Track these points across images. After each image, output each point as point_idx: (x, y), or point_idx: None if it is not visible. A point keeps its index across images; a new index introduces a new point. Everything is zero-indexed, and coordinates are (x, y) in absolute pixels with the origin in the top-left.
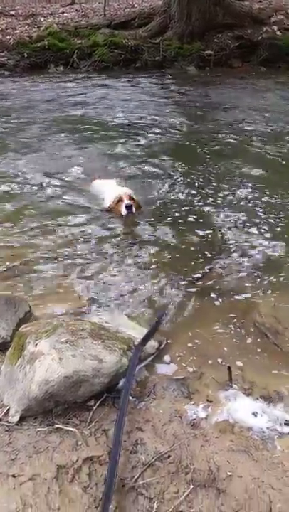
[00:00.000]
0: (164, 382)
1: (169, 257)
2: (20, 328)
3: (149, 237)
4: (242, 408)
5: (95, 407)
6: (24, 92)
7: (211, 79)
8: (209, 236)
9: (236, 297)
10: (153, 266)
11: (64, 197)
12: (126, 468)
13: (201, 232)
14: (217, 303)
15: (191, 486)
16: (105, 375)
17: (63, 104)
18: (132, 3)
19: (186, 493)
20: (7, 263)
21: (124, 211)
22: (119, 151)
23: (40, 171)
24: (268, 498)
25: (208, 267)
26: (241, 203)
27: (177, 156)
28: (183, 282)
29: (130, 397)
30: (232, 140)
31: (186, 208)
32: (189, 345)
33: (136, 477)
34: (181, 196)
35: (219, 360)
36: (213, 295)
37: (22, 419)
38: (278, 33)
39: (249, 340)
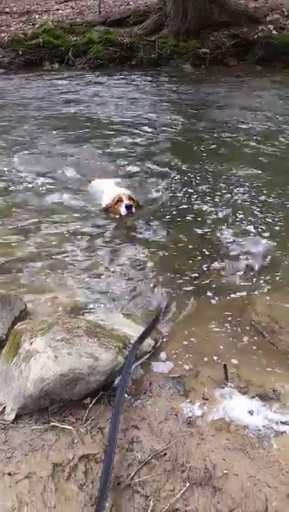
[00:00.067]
0: (160, 380)
1: (167, 255)
2: (15, 327)
3: (146, 235)
4: (238, 406)
5: (90, 405)
6: (18, 90)
7: (206, 77)
8: (207, 235)
9: (232, 296)
10: (150, 264)
11: (59, 195)
12: (122, 466)
13: (199, 231)
14: (213, 301)
15: (187, 484)
16: (101, 373)
17: (58, 102)
18: (127, 1)
19: (182, 491)
20: (1, 261)
21: (123, 211)
22: (114, 149)
23: (33, 169)
24: (264, 496)
25: (206, 265)
26: (238, 201)
27: (173, 154)
28: (180, 281)
29: (126, 395)
30: (227, 138)
31: (184, 207)
32: (185, 343)
33: (132, 475)
34: (179, 194)
35: (215, 358)
36: (209, 293)
37: (18, 417)
38: (274, 31)
39: (245, 339)
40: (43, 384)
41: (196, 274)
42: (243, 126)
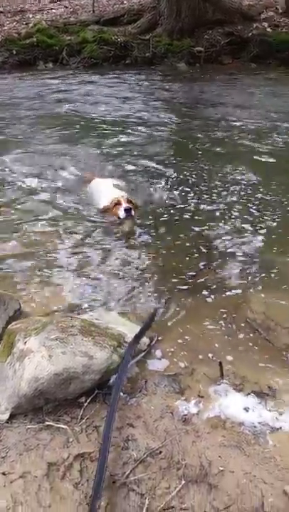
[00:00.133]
0: (156, 378)
1: (164, 253)
2: (9, 326)
3: (143, 234)
4: (233, 403)
5: (85, 404)
6: (12, 90)
7: (200, 75)
8: (204, 233)
9: (228, 293)
10: (147, 262)
11: (53, 195)
12: (117, 465)
13: (196, 229)
14: (209, 299)
15: (183, 482)
16: (96, 372)
17: (51, 101)
18: (120, 0)
19: (177, 489)
20: None
21: (122, 215)
22: (108, 149)
23: (26, 168)
24: (260, 493)
25: (202, 263)
26: (234, 199)
27: (168, 152)
28: (176, 279)
29: (121, 394)
30: (222, 137)
31: (181, 206)
32: (180, 341)
33: (127, 473)
34: (175, 193)
35: (211, 356)
36: (205, 291)
37: (12, 416)
38: (268, 29)
39: (241, 336)
40: (37, 383)
41: (193, 272)
42: (238, 124)
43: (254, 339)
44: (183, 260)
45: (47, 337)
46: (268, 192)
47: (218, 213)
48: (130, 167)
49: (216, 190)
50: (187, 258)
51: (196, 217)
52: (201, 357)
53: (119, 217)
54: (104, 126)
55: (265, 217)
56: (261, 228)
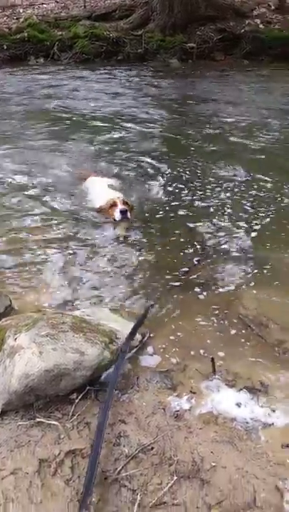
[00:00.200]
0: (148, 374)
1: (159, 250)
2: (0, 323)
3: (137, 230)
4: (226, 399)
5: (77, 400)
6: (2, 85)
7: (192, 72)
8: (198, 229)
9: (221, 290)
10: (140, 259)
11: (44, 192)
12: (108, 461)
13: (190, 225)
14: (202, 296)
15: (175, 478)
16: (87, 368)
17: (41, 97)
18: None
19: (169, 485)
20: None
21: (118, 216)
22: (100, 145)
23: (15, 165)
24: (252, 488)
25: (196, 259)
26: (228, 195)
27: (160, 149)
28: (169, 276)
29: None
30: (214, 133)
31: (176, 202)
32: (172, 337)
33: (119, 469)
34: (169, 189)
35: (203, 352)
36: (198, 288)
37: (3, 413)
38: (261, 26)
39: (233, 332)
40: (28, 380)
41: (186, 269)
42: (230, 120)
43: (246, 335)
44: (176, 257)
45: (37, 333)
46: (261, 188)
47: (212, 209)
48: (123, 163)
49: (209, 187)
50: (181, 254)
51: (191, 214)
52: (193, 353)
53: (114, 219)
54: (95, 122)
55: (260, 214)
56: (255, 224)
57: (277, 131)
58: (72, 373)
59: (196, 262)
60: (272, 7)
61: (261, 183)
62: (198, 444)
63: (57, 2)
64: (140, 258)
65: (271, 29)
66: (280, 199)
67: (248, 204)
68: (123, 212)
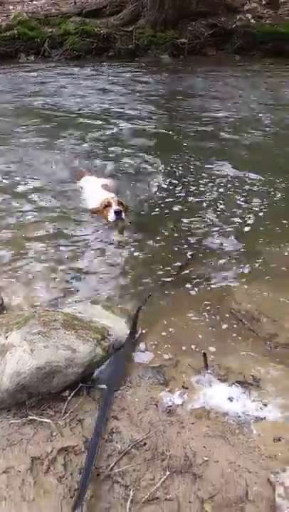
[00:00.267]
0: (140, 370)
1: (152, 245)
2: None
3: (130, 226)
4: (218, 393)
5: (69, 398)
6: None
7: (184, 67)
8: (192, 224)
9: (213, 285)
10: (134, 254)
11: (35, 189)
12: (101, 457)
13: (185, 221)
14: (193, 292)
15: (167, 473)
16: (79, 365)
17: (32, 95)
18: None
19: (162, 480)
20: None
21: (112, 217)
22: (90, 142)
23: (3, 163)
24: (244, 482)
25: (190, 253)
26: (221, 190)
27: (152, 145)
28: (162, 271)
29: (106, 387)
30: (206, 129)
31: (170, 198)
32: (164, 333)
33: (111, 465)
34: (163, 185)
35: (195, 347)
36: (190, 283)
37: None
38: (252, 20)
39: (225, 327)
40: (19, 378)
41: (179, 263)
42: (222, 116)
43: (238, 330)
44: (169, 252)
45: (29, 331)
46: (253, 183)
47: (204, 204)
48: (115, 160)
49: (202, 182)
50: (174, 249)
51: (184, 209)
52: (185, 348)
53: (108, 221)
54: (86, 119)
55: (253, 209)
56: (248, 219)
57: (268, 127)
58: (64, 370)
59: (189, 257)
60: (264, 2)
61: (253, 178)
62: (191, 439)
63: None
64: (133, 254)
65: (262, 24)
66: (272, 193)
67: (242, 199)
68: (117, 213)
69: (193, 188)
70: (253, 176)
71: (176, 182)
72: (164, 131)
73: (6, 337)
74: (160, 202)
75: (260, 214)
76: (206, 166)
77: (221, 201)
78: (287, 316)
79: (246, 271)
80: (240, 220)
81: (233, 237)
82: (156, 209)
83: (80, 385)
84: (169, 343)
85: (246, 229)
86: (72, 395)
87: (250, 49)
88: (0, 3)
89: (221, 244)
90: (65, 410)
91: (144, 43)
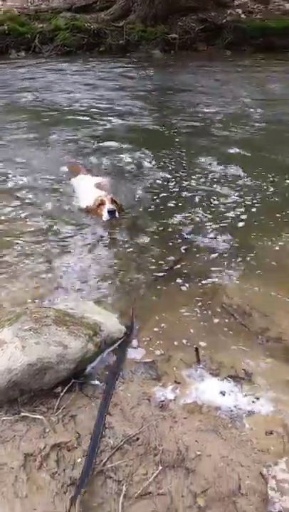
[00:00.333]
0: (132, 365)
1: (145, 240)
2: None
3: (124, 221)
4: (210, 388)
5: (62, 394)
6: None
7: (174, 62)
8: (186, 220)
9: (205, 280)
10: (127, 250)
11: (29, 187)
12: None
13: (178, 216)
14: (184, 288)
15: (160, 467)
16: (71, 361)
17: (22, 91)
18: None
19: (154, 475)
20: None
21: (106, 217)
22: (82, 138)
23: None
24: (236, 476)
25: (183, 247)
26: (214, 185)
27: (144, 140)
28: (154, 266)
29: (99, 382)
30: (196, 123)
31: (163, 194)
32: (156, 329)
33: (104, 461)
34: (158, 181)
35: (187, 342)
36: (182, 278)
37: None
38: (242, 15)
39: (216, 321)
40: (11, 375)
41: (172, 258)
42: (212, 111)
43: (230, 324)
44: (163, 248)
45: (20, 328)
46: (246, 178)
47: (199, 200)
48: (107, 155)
49: (194, 177)
50: (168, 245)
51: (177, 205)
52: (177, 343)
53: (102, 220)
54: (77, 115)
55: (246, 203)
56: (241, 214)
57: (259, 122)
58: (55, 367)
59: (183, 251)
60: None
61: (246, 173)
62: (183, 434)
63: None
64: (126, 250)
65: (253, 19)
66: (265, 188)
67: (235, 194)
68: (111, 212)
69: (186, 183)
70: (245, 171)
71: (169, 177)
72: (155, 126)
73: None
74: (153, 197)
75: (253, 209)
76: (198, 161)
77: (213, 196)
78: (278, 310)
79: (238, 266)
80: (232, 215)
81: (225, 232)
82: (149, 204)
83: (73, 381)
84: (161, 338)
85: (239, 224)
86: (64, 391)
87: (241, 44)
88: None
89: (214, 239)
90: (57, 406)
91: (134, 39)
